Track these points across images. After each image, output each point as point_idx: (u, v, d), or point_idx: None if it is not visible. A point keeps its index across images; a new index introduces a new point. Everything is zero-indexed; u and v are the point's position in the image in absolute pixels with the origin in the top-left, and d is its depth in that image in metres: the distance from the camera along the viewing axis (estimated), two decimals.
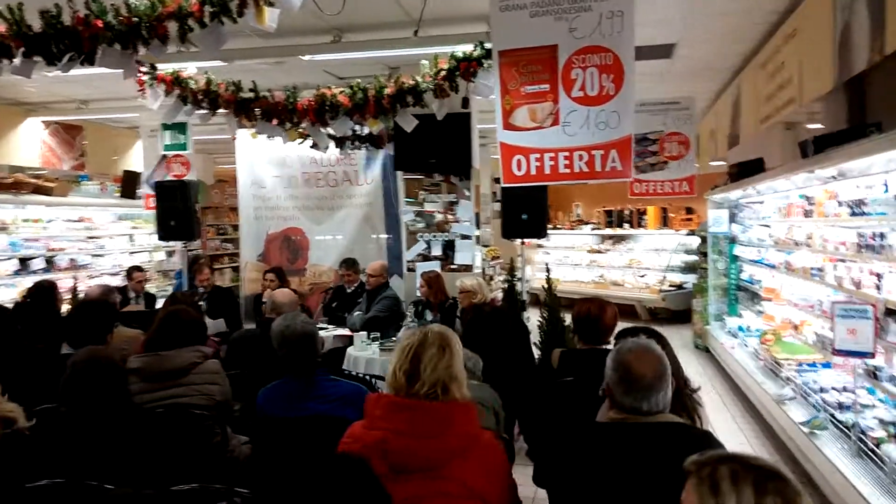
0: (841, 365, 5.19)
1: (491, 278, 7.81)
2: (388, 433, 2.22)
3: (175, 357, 3.30)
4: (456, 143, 6.11)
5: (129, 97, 6.78)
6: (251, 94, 5.55)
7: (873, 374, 4.27)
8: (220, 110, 5.65)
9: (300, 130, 5.85)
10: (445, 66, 5.05)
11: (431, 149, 6.20)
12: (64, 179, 8.98)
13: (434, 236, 6.63)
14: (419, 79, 5.18)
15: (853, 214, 4.70)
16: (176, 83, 5.57)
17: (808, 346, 5.93)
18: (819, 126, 6.19)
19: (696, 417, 2.86)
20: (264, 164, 8.16)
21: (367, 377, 5.18)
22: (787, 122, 6.87)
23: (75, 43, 3.61)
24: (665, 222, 12.80)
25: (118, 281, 8.10)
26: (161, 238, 7.37)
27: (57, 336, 3.70)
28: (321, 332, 5.86)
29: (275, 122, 5.56)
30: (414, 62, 5.35)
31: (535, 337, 5.63)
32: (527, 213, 6.00)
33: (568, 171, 4.06)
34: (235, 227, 10.11)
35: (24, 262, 8.01)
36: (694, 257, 11.29)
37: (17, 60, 3.74)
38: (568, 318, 4.69)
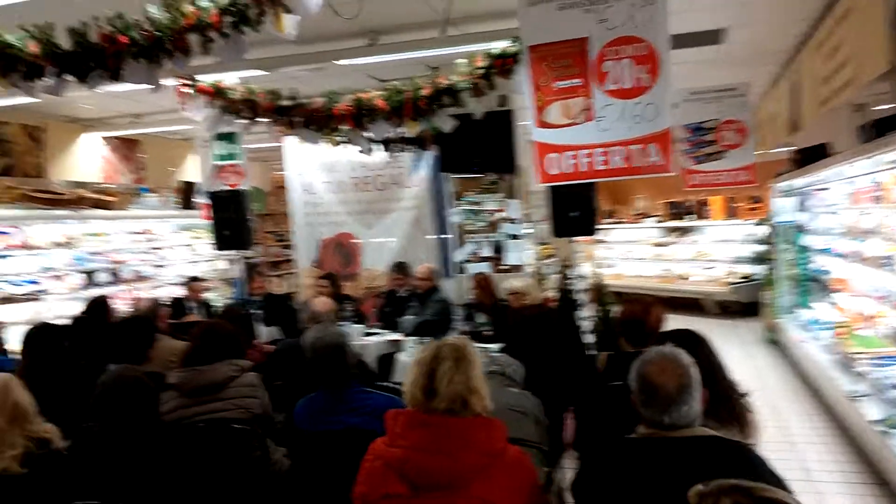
0: None
1: (544, 277, 7.65)
2: (407, 450, 2.15)
3: (211, 371, 3.30)
4: (499, 142, 6.01)
5: (178, 109, 6.91)
6: (290, 102, 5.56)
7: None
8: (260, 119, 5.68)
9: (339, 136, 5.81)
10: (481, 65, 4.96)
11: (475, 149, 6.10)
12: (125, 193, 9.23)
13: (485, 237, 6.53)
14: (455, 78, 5.10)
15: None
16: (217, 94, 5.62)
17: (882, 339, 5.60)
18: (891, 106, 5.84)
19: (745, 424, 2.68)
20: (314, 170, 8.22)
21: None
22: (855, 105, 6.51)
23: (101, 60, 3.65)
24: (731, 212, 12.34)
25: (179, 291, 8.25)
26: (217, 248, 7.48)
27: (103, 352, 3.76)
28: (373, 338, 5.96)
29: (313, 128, 5.56)
30: (453, 61, 5.27)
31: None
32: (576, 210, 5.83)
33: (604, 167, 3.91)
34: None
35: (89, 275, 8.25)
36: (763, 247, 10.84)
37: (48, 80, 3.80)
38: None
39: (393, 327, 6.45)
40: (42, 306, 7.45)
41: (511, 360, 3.46)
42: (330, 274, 7.02)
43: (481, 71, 4.95)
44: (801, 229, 8.49)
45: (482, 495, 2.05)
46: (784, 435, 5.56)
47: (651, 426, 2.01)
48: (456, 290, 6.74)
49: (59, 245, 7.94)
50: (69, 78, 3.85)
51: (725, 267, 11.56)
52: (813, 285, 8.28)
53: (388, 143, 7.02)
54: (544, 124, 4.10)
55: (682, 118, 7.94)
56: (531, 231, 7.69)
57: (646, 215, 13.71)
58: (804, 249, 8.43)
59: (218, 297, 9.41)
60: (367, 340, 5.70)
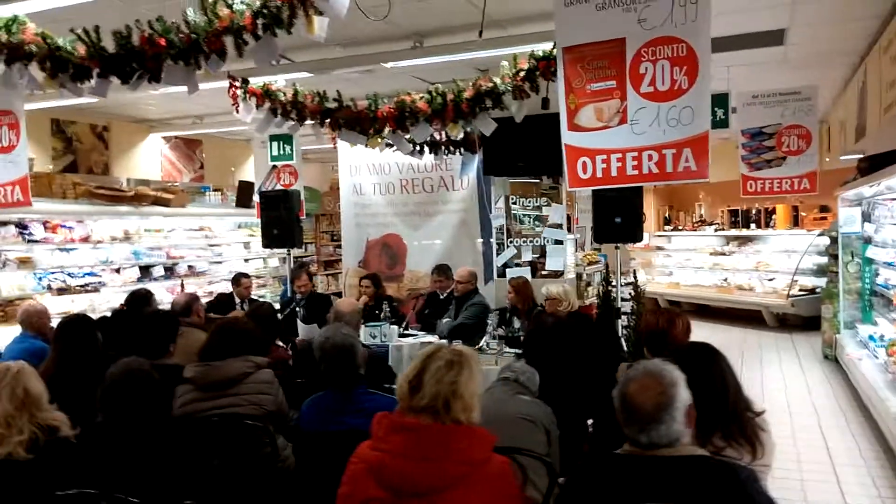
0: None
1: (588, 284, 7.52)
2: (387, 455, 2.13)
3: (225, 367, 3.34)
4: (544, 145, 5.90)
5: None
6: (335, 104, 5.61)
7: None
8: (308, 121, 5.75)
9: (382, 138, 5.82)
10: (525, 67, 4.90)
11: (520, 152, 6.03)
12: (186, 191, 9.51)
13: (527, 240, 6.45)
14: (498, 80, 5.05)
15: None
16: (266, 96, 5.71)
17: None
18: None
19: (756, 444, 2.55)
20: (364, 172, 8.29)
21: None
22: None
23: (141, 62, 3.76)
24: (796, 222, 11.88)
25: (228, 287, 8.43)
26: (265, 246, 7.62)
27: (129, 345, 3.85)
28: (410, 339, 5.96)
29: (357, 130, 5.60)
30: (499, 63, 5.23)
31: None
32: (620, 216, 5.70)
33: (636, 172, 3.77)
34: None
35: (145, 270, 8.53)
36: (826, 259, 10.39)
37: (93, 81, 3.94)
38: None
39: (431, 329, 6.44)
40: (98, 298, 7.74)
41: (526, 367, 3.39)
42: (372, 274, 7.06)
43: (524, 73, 4.90)
44: (867, 241, 8.09)
45: None
46: (825, 455, 5.31)
47: (632, 444, 1.94)
48: (496, 294, 6.67)
49: (118, 240, 8.22)
50: (113, 79, 3.99)
51: (786, 278, 11.11)
52: (876, 300, 7.89)
53: (436, 146, 7.03)
54: (576, 127, 4.00)
55: (742, 123, 7.68)
56: (577, 237, 7.58)
57: (706, 222, 13.34)
58: (869, 262, 8.04)
59: (269, 294, 9.61)
60: (402, 342, 5.70)
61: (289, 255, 7.80)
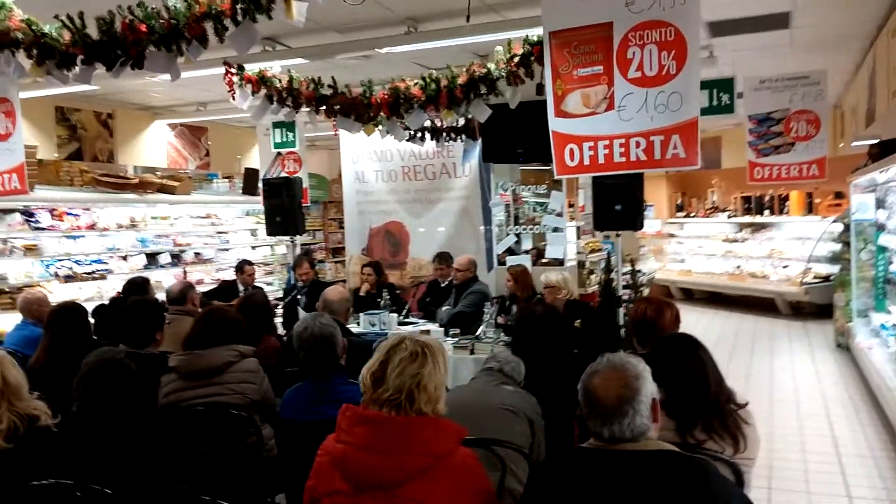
0: None
1: (591, 272, 7.44)
2: (349, 447, 2.10)
3: (209, 356, 3.33)
4: (544, 132, 5.85)
5: None
6: (330, 91, 5.57)
7: None
8: (303, 108, 5.73)
9: (377, 125, 5.78)
10: (519, 52, 4.83)
11: (519, 138, 5.96)
12: (193, 178, 9.53)
13: (526, 228, 6.40)
14: (492, 66, 4.98)
15: None
16: (261, 82, 5.68)
17: None
18: None
19: (739, 437, 2.50)
20: (366, 159, 8.25)
21: None
22: None
23: (125, 48, 3.74)
24: (810, 208, 11.70)
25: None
26: (269, 233, 7.61)
27: (116, 333, 3.86)
28: (408, 328, 5.94)
29: (352, 116, 5.56)
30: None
31: None
32: (620, 203, 5.61)
33: (624, 160, 3.70)
34: None
35: (152, 257, 8.57)
36: (839, 246, 10.23)
37: (77, 68, 3.93)
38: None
39: (432, 317, 6.42)
40: (105, 285, 7.79)
41: (511, 356, 3.34)
42: (374, 262, 7.04)
43: (518, 58, 4.83)
44: (880, 228, 7.94)
45: (417, 497, 1.98)
46: (830, 445, 5.23)
47: (596, 438, 1.90)
48: (495, 282, 6.63)
49: (124, 227, 8.27)
50: (98, 66, 3.98)
51: (800, 266, 10.95)
52: (890, 288, 7.74)
53: (437, 133, 6.97)
54: (563, 114, 3.93)
55: (749, 108, 7.54)
56: (580, 224, 7.50)
57: (718, 209, 13.17)
58: (883, 249, 7.89)
59: (276, 282, 9.63)
60: (401, 329, 5.68)
61: (292, 242, 7.79)
